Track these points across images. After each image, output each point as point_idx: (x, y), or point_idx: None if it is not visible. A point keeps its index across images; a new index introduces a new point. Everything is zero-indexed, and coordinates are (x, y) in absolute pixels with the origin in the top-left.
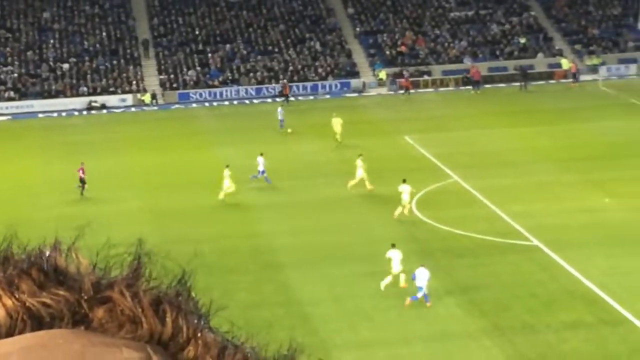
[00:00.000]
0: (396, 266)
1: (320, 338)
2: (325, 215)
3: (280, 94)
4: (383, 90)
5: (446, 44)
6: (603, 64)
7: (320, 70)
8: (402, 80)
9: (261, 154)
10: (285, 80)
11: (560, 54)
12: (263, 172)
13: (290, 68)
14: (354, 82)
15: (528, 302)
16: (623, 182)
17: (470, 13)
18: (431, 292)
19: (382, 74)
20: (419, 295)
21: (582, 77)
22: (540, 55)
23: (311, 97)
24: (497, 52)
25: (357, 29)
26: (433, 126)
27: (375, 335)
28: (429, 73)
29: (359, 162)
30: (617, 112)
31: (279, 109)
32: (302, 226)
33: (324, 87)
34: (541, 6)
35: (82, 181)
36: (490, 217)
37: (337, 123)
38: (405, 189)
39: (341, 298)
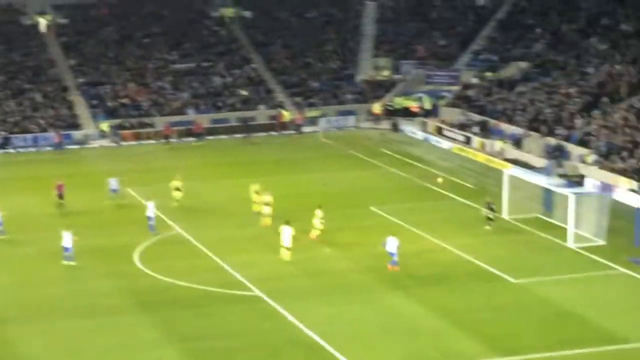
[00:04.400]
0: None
1: None
2: (44, 268)
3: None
4: (105, 142)
5: (168, 96)
6: (323, 115)
7: (41, 121)
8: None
9: None
10: None
11: (282, 105)
12: None
13: (10, 119)
14: (76, 134)
15: (252, 352)
16: (342, 232)
17: (192, 65)
18: (154, 345)
19: (105, 126)
20: (396, 259)
21: (304, 129)
22: (262, 107)
23: (32, 149)
24: (219, 104)
25: (79, 80)
26: (155, 178)
27: None
28: (152, 125)
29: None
30: (337, 163)
31: None
32: (20, 280)
33: (45, 138)
34: (262, 59)
35: None
36: (212, 268)
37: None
38: None
39: (63, 352)
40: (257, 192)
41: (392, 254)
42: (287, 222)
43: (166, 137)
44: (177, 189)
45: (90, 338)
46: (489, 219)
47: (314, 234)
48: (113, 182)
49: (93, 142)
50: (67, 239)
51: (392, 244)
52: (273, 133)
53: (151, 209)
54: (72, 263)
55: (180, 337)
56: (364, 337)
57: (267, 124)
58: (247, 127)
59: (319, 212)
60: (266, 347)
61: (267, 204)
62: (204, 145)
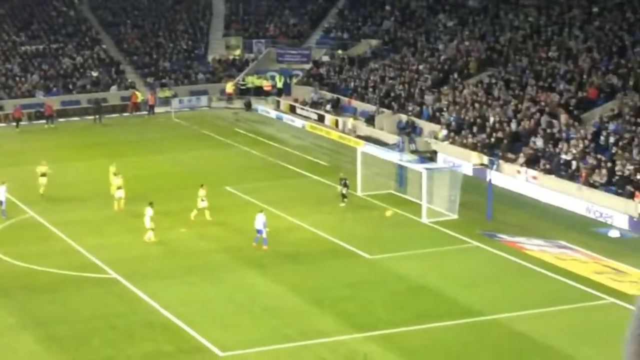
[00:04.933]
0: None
1: None
2: None
3: None
4: None
5: (17, 78)
6: (175, 96)
7: None
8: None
9: None
10: None
11: (134, 86)
12: None
13: None
14: None
15: (108, 335)
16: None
17: (41, 47)
18: (8, 330)
19: None
20: (264, 236)
21: (156, 110)
22: (113, 88)
23: None
24: (70, 86)
25: None
26: (7, 161)
27: None
28: (1, 108)
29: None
30: (190, 143)
31: None
32: None
33: None
34: (112, 39)
35: None
36: (68, 251)
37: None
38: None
39: None
40: (114, 174)
41: (259, 231)
42: (150, 204)
43: (17, 120)
44: (43, 175)
45: None
46: (344, 195)
47: (194, 214)
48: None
49: None
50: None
51: (259, 221)
52: (125, 114)
53: (2, 193)
54: None
55: (35, 322)
56: (222, 317)
57: (119, 105)
58: (98, 109)
59: (201, 191)
60: (122, 329)
61: (119, 187)
62: (56, 128)
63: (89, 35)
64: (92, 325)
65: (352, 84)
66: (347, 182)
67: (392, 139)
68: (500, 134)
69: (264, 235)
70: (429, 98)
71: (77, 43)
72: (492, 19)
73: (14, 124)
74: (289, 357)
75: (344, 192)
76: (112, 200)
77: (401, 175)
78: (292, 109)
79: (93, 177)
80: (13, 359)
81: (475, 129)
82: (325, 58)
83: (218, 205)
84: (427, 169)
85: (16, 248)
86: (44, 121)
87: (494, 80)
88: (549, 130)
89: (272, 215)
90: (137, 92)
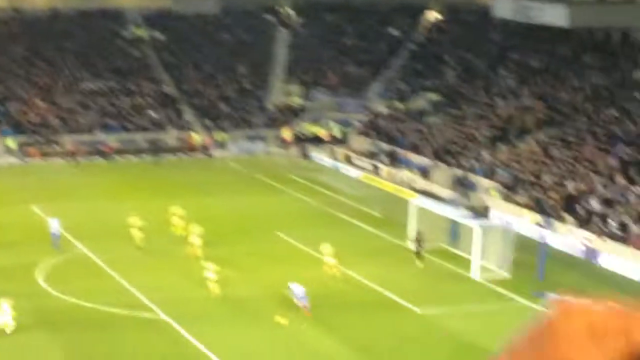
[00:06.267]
0: None
1: None
2: None
3: None
4: (12, 159)
5: (77, 115)
6: (232, 139)
7: None
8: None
9: None
10: None
11: (191, 128)
12: None
13: None
14: None
15: None
16: (249, 257)
17: (101, 85)
18: None
19: (12, 142)
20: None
21: (213, 152)
22: (170, 128)
23: None
24: (128, 125)
25: None
26: (61, 196)
27: None
28: (59, 143)
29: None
30: (244, 188)
31: None
32: None
33: None
34: (172, 80)
35: None
36: (118, 290)
37: None
38: None
39: None
40: (176, 215)
41: (304, 300)
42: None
43: (74, 155)
44: (140, 229)
45: None
46: (418, 254)
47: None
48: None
49: None
50: None
51: (298, 291)
52: (183, 155)
53: (55, 226)
54: None
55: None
56: None
57: (177, 146)
58: (156, 149)
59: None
60: None
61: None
62: (113, 166)
63: (149, 77)
64: None
65: (409, 137)
66: (420, 238)
67: (447, 193)
68: (555, 194)
69: (306, 303)
70: (485, 154)
71: (138, 83)
72: (553, 77)
73: (71, 159)
74: None
75: (419, 250)
76: (167, 239)
77: (454, 230)
78: (348, 159)
79: (148, 217)
80: None
81: (529, 187)
82: (384, 109)
83: (269, 251)
84: (480, 225)
85: (66, 284)
86: (101, 158)
87: (551, 140)
88: (604, 192)
89: (323, 265)
90: (193, 134)
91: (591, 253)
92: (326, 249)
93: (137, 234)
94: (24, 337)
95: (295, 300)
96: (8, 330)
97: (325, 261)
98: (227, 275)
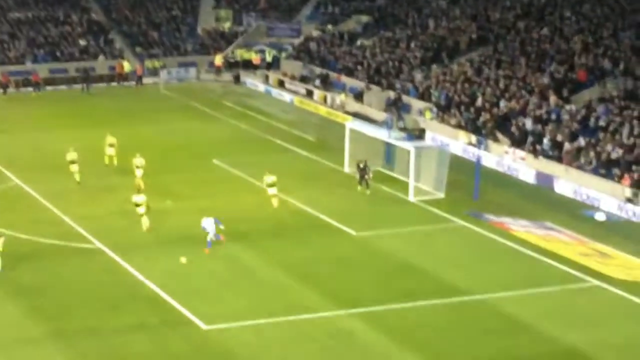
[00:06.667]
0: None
1: None
2: None
3: None
4: None
5: (6, 45)
6: (164, 67)
7: None
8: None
9: None
10: None
11: (122, 56)
12: None
13: None
14: None
15: (93, 305)
16: (182, 184)
17: (29, 14)
18: None
19: None
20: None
21: (144, 80)
22: (101, 57)
23: None
24: (58, 54)
25: None
26: None
27: None
28: None
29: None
30: (177, 115)
31: None
32: None
33: None
34: (102, 8)
35: None
36: (53, 221)
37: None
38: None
39: None
40: (111, 145)
41: (217, 237)
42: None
43: (3, 86)
44: (72, 162)
45: None
46: (363, 179)
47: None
48: None
49: None
50: None
51: (208, 224)
52: (113, 83)
53: None
54: None
55: (20, 292)
56: (206, 290)
57: (107, 75)
58: (86, 78)
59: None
60: (106, 300)
61: (138, 166)
62: (43, 96)
63: (79, 4)
64: (77, 296)
65: (341, 60)
66: (366, 165)
67: (381, 116)
68: (488, 114)
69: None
70: (418, 75)
71: (66, 11)
72: None
73: (1, 90)
74: (273, 331)
75: (366, 177)
76: (100, 170)
77: (389, 152)
78: (281, 84)
79: (79, 145)
80: None
81: (463, 108)
82: (316, 33)
83: (205, 178)
84: (415, 147)
85: (1, 216)
86: (31, 89)
87: (484, 59)
88: (537, 111)
89: (258, 190)
90: (124, 62)
91: (525, 173)
92: (269, 179)
93: (74, 169)
94: None
95: (210, 236)
96: None
97: (268, 191)
98: (165, 204)
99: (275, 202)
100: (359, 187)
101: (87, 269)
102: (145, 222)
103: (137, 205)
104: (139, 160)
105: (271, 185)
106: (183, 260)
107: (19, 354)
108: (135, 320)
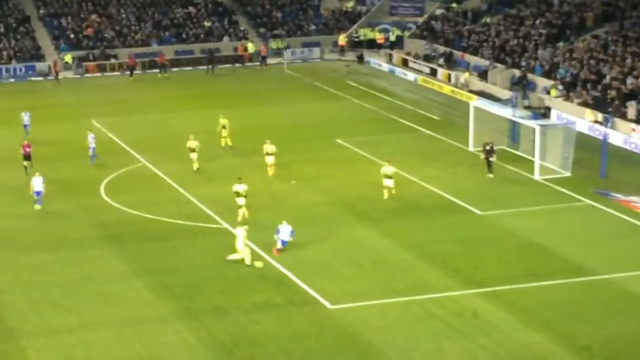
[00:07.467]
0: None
1: (8, 326)
2: (9, 204)
3: None
4: (69, 74)
5: (132, 28)
6: (287, 47)
7: (3, 53)
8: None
9: None
10: None
11: (246, 37)
12: None
13: None
14: (40, 66)
15: (219, 285)
16: (309, 165)
17: None
18: (120, 277)
19: (68, 58)
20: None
21: (268, 61)
22: (226, 38)
23: None
24: (184, 35)
25: (41, 11)
26: (121, 110)
27: (64, 322)
28: (115, 57)
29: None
30: (302, 95)
31: None
32: None
33: (7, 70)
34: None
35: None
36: (179, 201)
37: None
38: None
39: (28, 285)
40: (224, 127)
41: (283, 243)
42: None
43: (131, 68)
44: (193, 150)
45: (57, 271)
46: (489, 162)
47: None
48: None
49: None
50: (37, 184)
51: (285, 232)
52: (237, 65)
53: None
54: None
55: (149, 271)
56: (330, 269)
57: (231, 56)
58: (211, 59)
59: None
60: (233, 279)
61: (269, 153)
62: (168, 77)
63: None
64: (203, 275)
65: (465, 38)
66: (492, 147)
67: (506, 94)
68: (615, 92)
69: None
70: (543, 53)
71: None
72: None
73: (128, 72)
74: (397, 311)
75: (490, 159)
76: (220, 151)
77: (514, 131)
78: (405, 63)
79: (205, 127)
80: (125, 305)
81: (589, 85)
82: (439, 11)
83: (329, 157)
84: (540, 125)
85: (128, 196)
86: (157, 70)
87: (610, 36)
88: None
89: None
90: (248, 44)
91: None
92: (388, 169)
93: (193, 157)
94: (89, 250)
95: (275, 237)
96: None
97: (383, 182)
98: (290, 183)
99: (386, 194)
100: (489, 175)
101: (213, 248)
102: (242, 213)
103: (238, 195)
104: (269, 147)
105: (389, 177)
106: (259, 264)
107: (149, 331)
108: (261, 300)
